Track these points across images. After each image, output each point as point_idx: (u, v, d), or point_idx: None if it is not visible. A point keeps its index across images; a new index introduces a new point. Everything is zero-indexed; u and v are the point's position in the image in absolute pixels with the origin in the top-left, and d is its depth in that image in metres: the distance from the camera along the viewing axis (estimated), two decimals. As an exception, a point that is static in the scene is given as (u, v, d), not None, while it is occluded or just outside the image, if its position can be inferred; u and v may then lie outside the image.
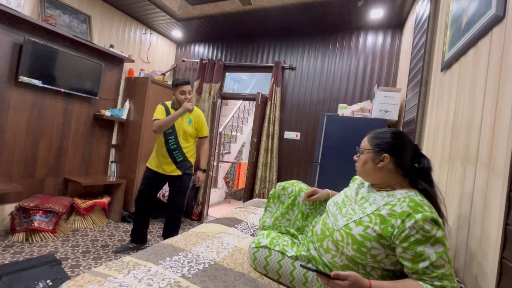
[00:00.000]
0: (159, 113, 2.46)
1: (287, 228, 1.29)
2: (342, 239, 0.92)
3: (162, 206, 3.63)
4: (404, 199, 0.87)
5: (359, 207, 0.97)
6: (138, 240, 2.64)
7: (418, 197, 0.87)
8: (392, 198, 0.91)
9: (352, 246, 0.88)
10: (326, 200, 1.30)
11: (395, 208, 0.86)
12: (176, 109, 2.47)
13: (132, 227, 2.65)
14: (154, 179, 2.52)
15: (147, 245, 2.74)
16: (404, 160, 0.94)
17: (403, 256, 0.82)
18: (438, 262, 0.78)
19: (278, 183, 1.39)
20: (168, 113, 2.46)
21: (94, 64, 3.13)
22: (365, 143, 1.05)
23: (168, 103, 2.53)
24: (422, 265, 0.78)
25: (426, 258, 0.78)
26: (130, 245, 2.63)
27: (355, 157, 1.09)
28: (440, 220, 0.82)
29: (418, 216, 0.80)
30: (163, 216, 3.70)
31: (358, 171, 1.06)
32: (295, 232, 1.25)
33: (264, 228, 1.35)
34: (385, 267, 0.89)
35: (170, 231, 2.52)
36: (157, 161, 2.49)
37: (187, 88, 2.40)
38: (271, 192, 1.40)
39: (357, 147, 1.10)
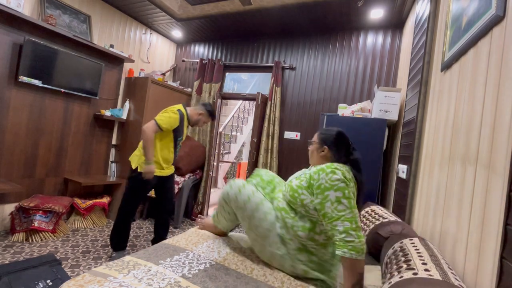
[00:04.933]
0: (171, 120, 2.25)
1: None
2: (285, 189, 1.26)
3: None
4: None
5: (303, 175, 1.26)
6: (124, 246, 2.42)
7: (345, 169, 1.13)
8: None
9: (289, 193, 1.20)
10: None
11: (319, 169, 1.14)
12: (189, 122, 2.44)
13: (119, 234, 2.36)
14: (158, 183, 2.40)
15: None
16: (338, 152, 1.24)
17: (317, 202, 1.10)
18: (339, 206, 1.04)
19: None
20: (182, 122, 2.33)
21: (94, 64, 3.13)
22: (314, 137, 1.34)
23: (184, 112, 2.38)
24: (327, 205, 1.05)
25: (329, 200, 1.05)
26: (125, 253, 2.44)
27: (308, 147, 1.38)
28: (347, 178, 1.08)
29: (328, 170, 1.09)
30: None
31: (309, 157, 1.37)
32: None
33: None
34: (309, 211, 1.15)
35: (166, 232, 2.52)
36: (162, 164, 2.35)
37: (210, 122, 2.51)
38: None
39: (308, 140, 1.44)
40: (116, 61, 3.49)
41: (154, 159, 2.29)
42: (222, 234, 1.55)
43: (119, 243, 2.37)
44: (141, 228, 3.22)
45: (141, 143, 2.32)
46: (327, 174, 1.08)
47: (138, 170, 2.25)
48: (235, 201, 1.27)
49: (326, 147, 1.25)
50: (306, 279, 1.19)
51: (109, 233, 2.93)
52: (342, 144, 1.25)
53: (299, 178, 1.22)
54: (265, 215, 1.22)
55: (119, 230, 2.36)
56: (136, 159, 2.30)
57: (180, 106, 2.38)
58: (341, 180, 1.06)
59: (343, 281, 1.04)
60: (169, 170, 2.45)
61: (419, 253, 1.05)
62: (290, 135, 3.55)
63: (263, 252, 1.24)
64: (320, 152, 1.27)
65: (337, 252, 1.02)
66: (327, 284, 1.18)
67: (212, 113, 2.49)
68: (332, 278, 1.20)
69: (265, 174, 1.51)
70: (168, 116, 2.25)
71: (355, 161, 1.21)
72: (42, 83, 2.71)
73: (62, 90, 2.89)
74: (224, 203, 1.36)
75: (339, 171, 1.08)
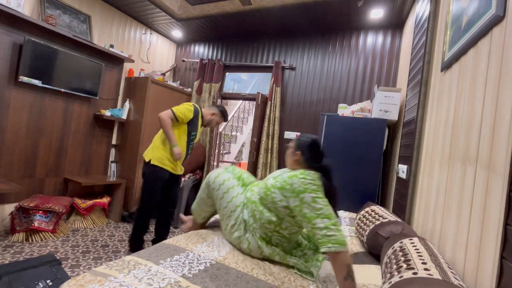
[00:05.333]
0: (186, 111, 2.30)
1: None
2: (261, 185, 1.36)
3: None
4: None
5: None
6: (140, 247, 2.45)
7: (315, 175, 1.22)
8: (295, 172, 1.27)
9: (263, 190, 1.30)
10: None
11: (292, 175, 1.23)
12: (203, 121, 2.47)
13: (136, 235, 2.42)
14: (168, 180, 2.42)
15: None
16: (310, 158, 1.35)
17: (293, 206, 1.18)
18: (316, 205, 1.12)
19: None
20: (196, 114, 2.37)
21: (94, 64, 3.13)
22: (291, 142, 1.44)
23: (199, 108, 2.44)
24: (304, 206, 1.13)
25: (305, 202, 1.13)
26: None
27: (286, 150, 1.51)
28: (318, 183, 1.17)
29: (300, 176, 1.19)
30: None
31: (285, 159, 1.49)
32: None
33: None
34: (278, 208, 1.25)
35: (167, 233, 2.52)
36: (174, 162, 2.38)
37: (222, 123, 2.50)
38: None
39: (286, 144, 1.61)
40: (116, 61, 3.49)
41: (166, 154, 2.32)
42: (202, 227, 1.68)
43: (138, 244, 2.42)
44: (141, 228, 3.22)
45: (155, 139, 2.39)
46: (299, 179, 1.18)
47: (151, 163, 2.30)
48: (213, 183, 1.47)
49: (299, 152, 1.36)
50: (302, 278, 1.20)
51: (109, 233, 2.94)
52: (314, 151, 1.36)
53: (275, 178, 1.31)
54: (232, 199, 1.42)
55: (139, 231, 2.40)
56: (150, 153, 2.35)
57: (194, 103, 2.45)
58: (313, 183, 1.17)
59: (336, 278, 1.07)
60: (179, 169, 2.47)
61: (419, 252, 1.05)
62: (290, 135, 3.55)
63: (226, 231, 1.42)
64: (293, 156, 1.38)
65: (321, 250, 1.06)
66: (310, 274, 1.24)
67: (224, 114, 2.53)
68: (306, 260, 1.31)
69: (234, 169, 1.66)
70: (183, 107, 2.32)
71: (325, 168, 1.31)
72: (42, 83, 2.71)
73: (62, 90, 2.89)
74: (205, 186, 1.55)
75: (309, 177, 1.19)
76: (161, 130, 2.37)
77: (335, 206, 1.20)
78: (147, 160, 2.34)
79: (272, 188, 1.27)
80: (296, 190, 1.17)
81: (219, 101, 3.96)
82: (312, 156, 1.35)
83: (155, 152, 2.33)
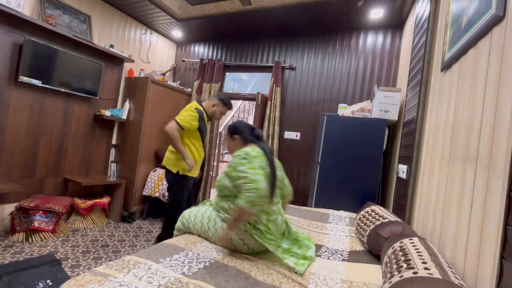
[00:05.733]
0: (191, 119, 2.28)
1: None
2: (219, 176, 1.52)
3: (162, 206, 3.63)
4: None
5: None
6: None
7: (250, 148, 1.40)
8: None
9: (216, 184, 1.48)
10: None
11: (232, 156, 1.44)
12: (207, 116, 2.45)
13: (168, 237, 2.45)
14: (193, 182, 2.48)
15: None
16: (244, 134, 1.54)
17: (233, 177, 1.35)
18: (244, 174, 1.26)
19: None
20: (202, 120, 2.36)
21: (94, 64, 3.13)
22: (225, 133, 1.69)
23: (201, 108, 2.41)
24: (239, 176, 1.28)
25: (238, 171, 1.30)
26: None
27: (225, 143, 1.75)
28: (250, 155, 1.33)
29: (235, 154, 1.38)
30: (164, 216, 3.69)
31: (228, 149, 1.66)
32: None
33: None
34: (230, 189, 1.40)
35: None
36: (196, 167, 2.42)
37: (228, 112, 2.47)
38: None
39: (223, 140, 1.90)
40: (116, 61, 3.49)
41: (193, 158, 2.36)
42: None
43: None
44: (141, 228, 3.22)
45: (170, 146, 2.38)
46: (234, 156, 1.38)
47: (180, 173, 2.33)
48: (187, 223, 1.62)
49: (236, 135, 1.57)
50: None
51: (109, 233, 2.94)
52: (244, 128, 1.57)
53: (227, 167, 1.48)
54: (203, 216, 1.54)
55: (169, 234, 2.39)
56: (171, 163, 2.34)
57: (196, 105, 2.39)
58: (242, 157, 1.33)
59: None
60: (197, 172, 2.50)
61: (419, 252, 1.05)
62: (290, 135, 3.55)
63: (215, 237, 1.47)
64: (232, 141, 1.59)
65: (236, 202, 1.27)
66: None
67: (225, 102, 2.46)
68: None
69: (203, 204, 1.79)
70: (187, 115, 2.30)
71: (257, 136, 1.55)
72: (42, 83, 2.71)
73: (62, 90, 2.89)
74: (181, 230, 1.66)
75: (242, 152, 1.36)
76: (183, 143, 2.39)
77: (272, 163, 1.40)
78: (174, 171, 2.33)
79: (221, 176, 1.45)
80: (232, 165, 1.36)
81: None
82: (244, 131, 1.55)
83: (182, 163, 2.32)
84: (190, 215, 1.59)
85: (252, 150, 1.38)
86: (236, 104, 6.66)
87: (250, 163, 1.29)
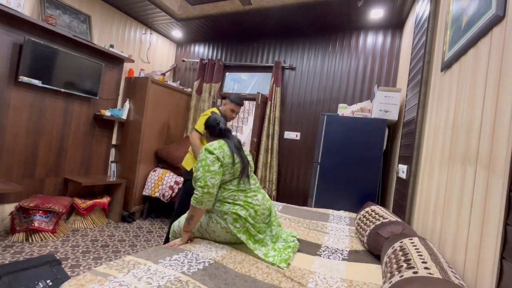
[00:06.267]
0: (203, 123, 2.43)
1: None
2: None
3: (162, 206, 3.64)
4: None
5: None
6: None
7: (216, 141, 1.52)
8: None
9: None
10: None
11: None
12: (224, 118, 2.46)
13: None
14: None
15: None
16: (211, 129, 1.66)
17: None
18: (199, 171, 1.40)
19: None
20: None
21: (94, 64, 3.13)
22: None
23: (217, 111, 2.47)
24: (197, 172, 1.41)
25: (197, 168, 1.42)
26: None
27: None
28: (215, 151, 1.44)
29: (202, 148, 1.48)
30: (163, 216, 3.70)
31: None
32: None
33: None
34: None
35: None
36: None
37: (239, 109, 2.48)
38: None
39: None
40: (116, 61, 3.49)
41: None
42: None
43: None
44: (141, 228, 3.22)
45: (190, 147, 2.55)
46: (200, 152, 1.48)
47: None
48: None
49: (206, 130, 1.71)
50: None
51: (109, 233, 2.94)
52: (212, 123, 1.66)
53: None
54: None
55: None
56: (186, 162, 2.52)
57: (212, 109, 2.48)
58: (205, 153, 1.44)
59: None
60: None
61: (419, 252, 1.05)
62: (290, 135, 3.56)
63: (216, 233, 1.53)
64: (206, 136, 1.72)
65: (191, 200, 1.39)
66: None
67: (231, 98, 2.47)
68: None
69: None
70: (202, 120, 2.40)
71: (221, 130, 1.63)
72: (42, 83, 2.71)
73: (62, 90, 2.89)
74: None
75: (205, 148, 1.47)
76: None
77: (237, 150, 1.54)
78: (188, 168, 2.50)
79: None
80: (198, 160, 1.46)
81: (219, 101, 3.96)
82: (212, 127, 1.66)
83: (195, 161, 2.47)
84: (180, 221, 1.63)
85: (217, 142, 1.51)
86: (236, 104, 6.65)
87: (205, 161, 1.41)
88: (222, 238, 1.45)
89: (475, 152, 1.04)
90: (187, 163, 2.55)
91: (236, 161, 1.49)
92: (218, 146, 1.48)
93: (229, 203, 1.45)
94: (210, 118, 1.70)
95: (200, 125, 2.40)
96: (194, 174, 1.44)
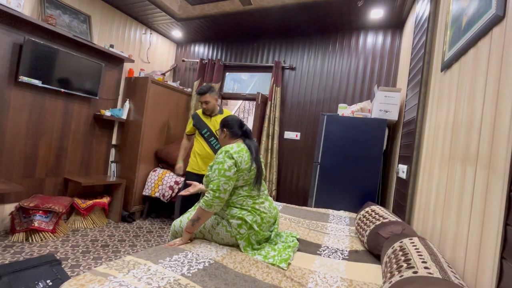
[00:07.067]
0: (188, 124, 2.77)
1: None
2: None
3: (162, 206, 3.65)
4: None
5: None
6: None
7: (236, 144, 1.49)
8: None
9: (206, 173, 1.52)
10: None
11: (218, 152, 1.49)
12: (206, 114, 2.63)
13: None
14: (196, 180, 2.58)
15: None
16: (232, 128, 1.62)
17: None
18: (215, 173, 1.38)
19: None
20: (195, 118, 2.65)
21: (94, 64, 3.13)
22: (219, 128, 1.73)
23: (199, 111, 2.68)
24: (215, 173, 1.39)
25: (214, 169, 1.40)
26: None
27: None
28: (234, 155, 1.40)
29: (222, 149, 1.45)
30: (163, 216, 3.70)
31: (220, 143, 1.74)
32: None
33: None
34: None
35: None
36: (201, 164, 2.58)
37: (201, 98, 2.55)
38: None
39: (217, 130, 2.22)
40: (116, 61, 3.49)
41: (196, 160, 2.62)
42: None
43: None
44: (141, 228, 3.22)
45: (193, 148, 2.72)
46: (220, 153, 1.44)
47: (187, 170, 2.65)
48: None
49: (225, 129, 1.65)
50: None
51: (109, 233, 2.94)
52: (233, 123, 1.64)
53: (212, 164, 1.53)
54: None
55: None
56: (191, 163, 2.67)
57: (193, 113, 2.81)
58: (224, 156, 1.41)
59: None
60: (199, 168, 2.60)
61: (419, 252, 1.05)
62: (290, 135, 3.55)
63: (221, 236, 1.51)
64: (222, 134, 1.66)
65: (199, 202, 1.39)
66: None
67: (200, 89, 2.59)
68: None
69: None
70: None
71: (245, 132, 1.62)
72: (42, 83, 2.71)
73: (62, 90, 2.89)
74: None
75: (225, 150, 1.43)
76: (194, 142, 2.74)
77: (258, 160, 1.51)
78: (189, 169, 2.68)
79: (207, 173, 1.50)
80: (216, 161, 1.43)
81: (219, 101, 3.96)
82: (233, 126, 1.63)
83: (190, 162, 2.67)
84: (182, 221, 1.61)
85: (237, 146, 1.48)
86: (236, 104, 6.66)
87: (222, 164, 1.38)
88: (225, 242, 1.44)
89: (475, 152, 1.04)
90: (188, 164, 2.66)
91: (252, 167, 1.47)
92: (238, 150, 1.44)
93: (237, 207, 1.44)
94: (230, 118, 1.67)
95: (187, 128, 2.73)
96: (208, 173, 1.43)
